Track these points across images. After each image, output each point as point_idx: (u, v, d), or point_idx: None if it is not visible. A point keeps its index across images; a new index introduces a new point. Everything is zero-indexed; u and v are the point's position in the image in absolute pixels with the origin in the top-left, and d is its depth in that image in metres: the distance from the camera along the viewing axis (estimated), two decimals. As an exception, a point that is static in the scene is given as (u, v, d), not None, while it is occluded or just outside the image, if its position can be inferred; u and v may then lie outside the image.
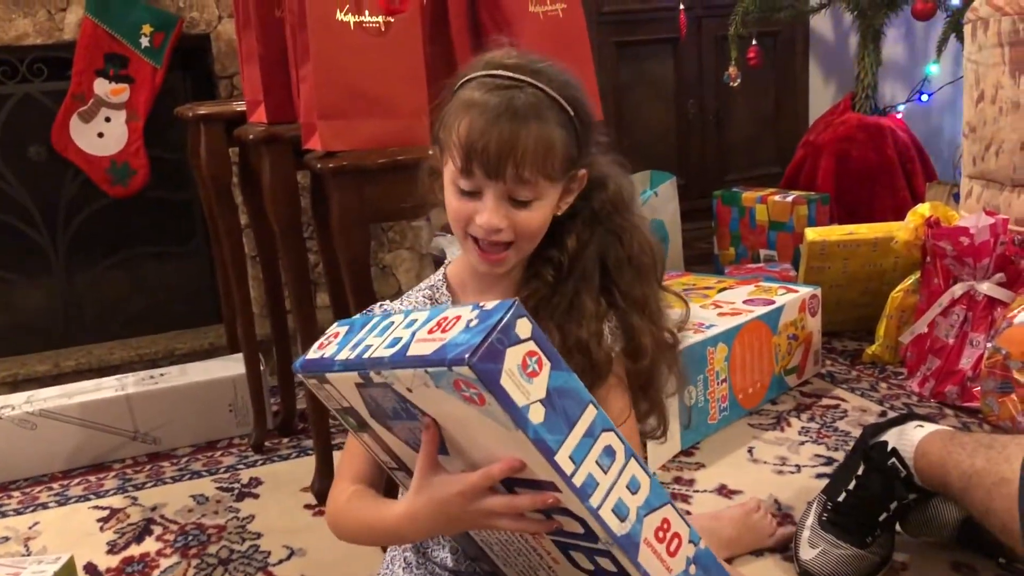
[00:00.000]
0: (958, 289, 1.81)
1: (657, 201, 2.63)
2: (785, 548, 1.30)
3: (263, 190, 1.49)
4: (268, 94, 1.54)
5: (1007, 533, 0.92)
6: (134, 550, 1.44)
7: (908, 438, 1.24)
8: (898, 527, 1.25)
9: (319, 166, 1.27)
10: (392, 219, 2.13)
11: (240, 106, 1.70)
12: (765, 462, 1.60)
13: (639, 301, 0.99)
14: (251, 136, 1.47)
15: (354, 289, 1.35)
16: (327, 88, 1.27)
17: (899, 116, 2.82)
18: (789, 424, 1.75)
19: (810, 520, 1.27)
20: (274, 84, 1.54)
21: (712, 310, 1.86)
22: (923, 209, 1.93)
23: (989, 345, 1.67)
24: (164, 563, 1.40)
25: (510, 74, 0.90)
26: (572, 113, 0.91)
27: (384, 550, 1.34)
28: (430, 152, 0.99)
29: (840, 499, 1.25)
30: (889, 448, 1.23)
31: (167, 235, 2.32)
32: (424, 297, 1.02)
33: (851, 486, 1.25)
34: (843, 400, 1.85)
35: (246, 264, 1.85)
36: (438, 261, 2.53)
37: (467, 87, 0.92)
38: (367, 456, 0.96)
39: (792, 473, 1.56)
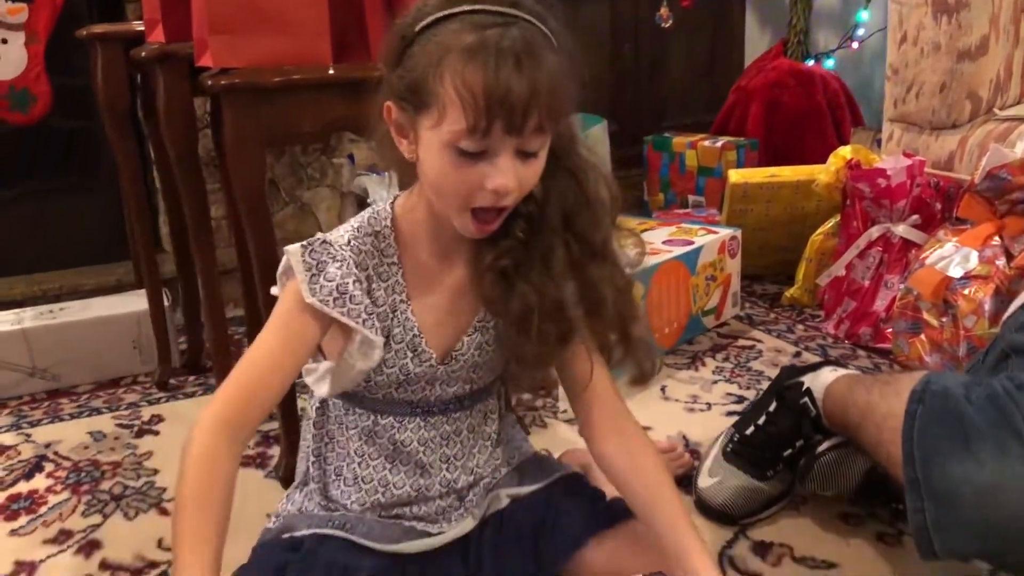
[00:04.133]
0: (875, 231, 1.82)
1: (587, 145, 2.59)
2: (688, 480, 1.30)
3: (158, 113, 1.42)
4: (167, 11, 1.46)
5: (892, 462, 0.92)
6: (22, 487, 1.39)
7: (820, 380, 1.24)
8: (802, 485, 1.22)
9: (210, 83, 1.21)
10: (289, 143, 2.04)
11: (141, 26, 1.61)
12: (677, 400, 1.59)
13: (598, 247, 0.90)
14: (144, 54, 1.39)
15: (249, 219, 1.29)
16: (218, 1, 1.20)
17: (830, 63, 2.81)
18: (704, 364, 1.75)
19: (714, 451, 1.27)
20: (173, 0, 1.46)
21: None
22: (844, 152, 1.92)
23: (901, 287, 1.68)
24: (53, 499, 1.34)
25: (499, 8, 0.79)
26: (557, 44, 0.81)
27: (285, 486, 1.32)
28: (387, 105, 0.84)
29: (748, 432, 1.25)
30: (804, 388, 1.22)
31: (73, 167, 2.22)
32: (372, 248, 0.90)
33: (760, 421, 1.25)
34: (759, 341, 1.85)
35: (149, 197, 1.77)
36: (360, 201, 2.46)
37: (447, 28, 0.79)
38: (265, 370, 0.87)
39: (703, 411, 1.55)
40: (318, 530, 0.96)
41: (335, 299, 0.87)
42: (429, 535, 0.98)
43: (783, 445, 1.22)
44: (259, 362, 0.89)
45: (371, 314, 0.90)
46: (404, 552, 0.96)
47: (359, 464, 0.98)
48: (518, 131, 0.78)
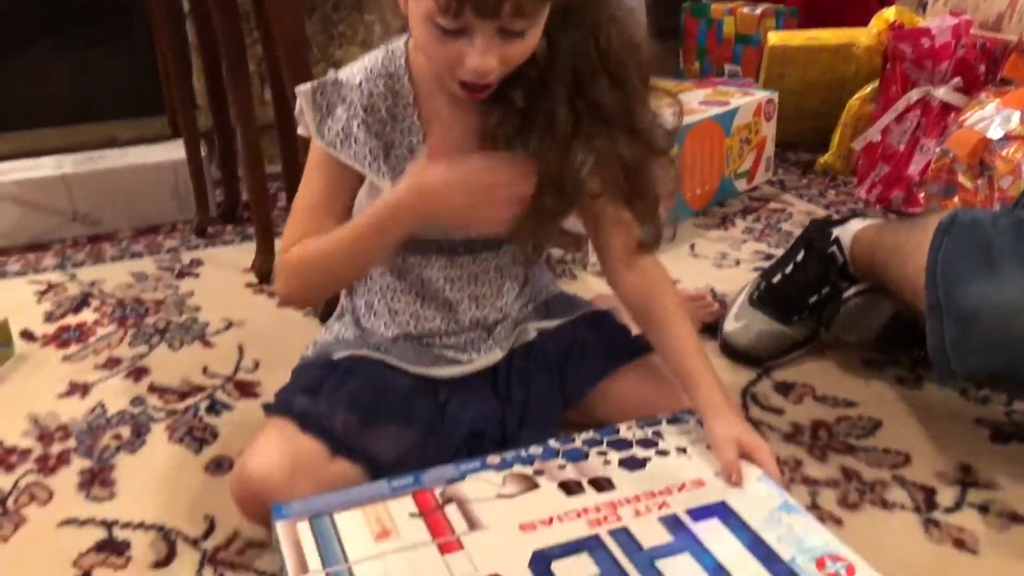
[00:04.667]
0: (914, 94, 1.79)
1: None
2: (716, 327, 1.32)
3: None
4: None
5: (917, 294, 0.93)
6: (71, 319, 1.44)
7: (849, 230, 1.24)
8: (827, 330, 1.24)
9: (247, -86, 1.19)
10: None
11: None
12: (706, 257, 1.61)
13: (611, 115, 0.84)
14: None
15: (289, 60, 1.30)
16: None
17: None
18: (734, 224, 1.76)
19: (741, 298, 1.29)
20: None
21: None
22: (888, 14, 1.88)
23: (938, 149, 1.66)
24: (100, 331, 1.40)
25: None
26: None
27: (323, 321, 1.36)
28: None
29: (775, 280, 1.27)
30: (832, 238, 1.23)
31: (107, 19, 2.20)
32: (385, 89, 0.90)
33: (788, 270, 1.27)
34: (790, 204, 1.85)
35: (186, 50, 1.77)
36: (393, 61, 2.44)
37: None
38: (322, 208, 0.92)
39: (731, 267, 1.57)
40: (354, 352, 1.00)
41: (342, 141, 0.89)
42: (459, 363, 1.01)
43: (809, 292, 1.24)
44: (312, 204, 0.93)
45: (376, 157, 0.91)
46: (435, 376, 1.00)
47: (391, 298, 1.01)
48: (492, 15, 0.74)
